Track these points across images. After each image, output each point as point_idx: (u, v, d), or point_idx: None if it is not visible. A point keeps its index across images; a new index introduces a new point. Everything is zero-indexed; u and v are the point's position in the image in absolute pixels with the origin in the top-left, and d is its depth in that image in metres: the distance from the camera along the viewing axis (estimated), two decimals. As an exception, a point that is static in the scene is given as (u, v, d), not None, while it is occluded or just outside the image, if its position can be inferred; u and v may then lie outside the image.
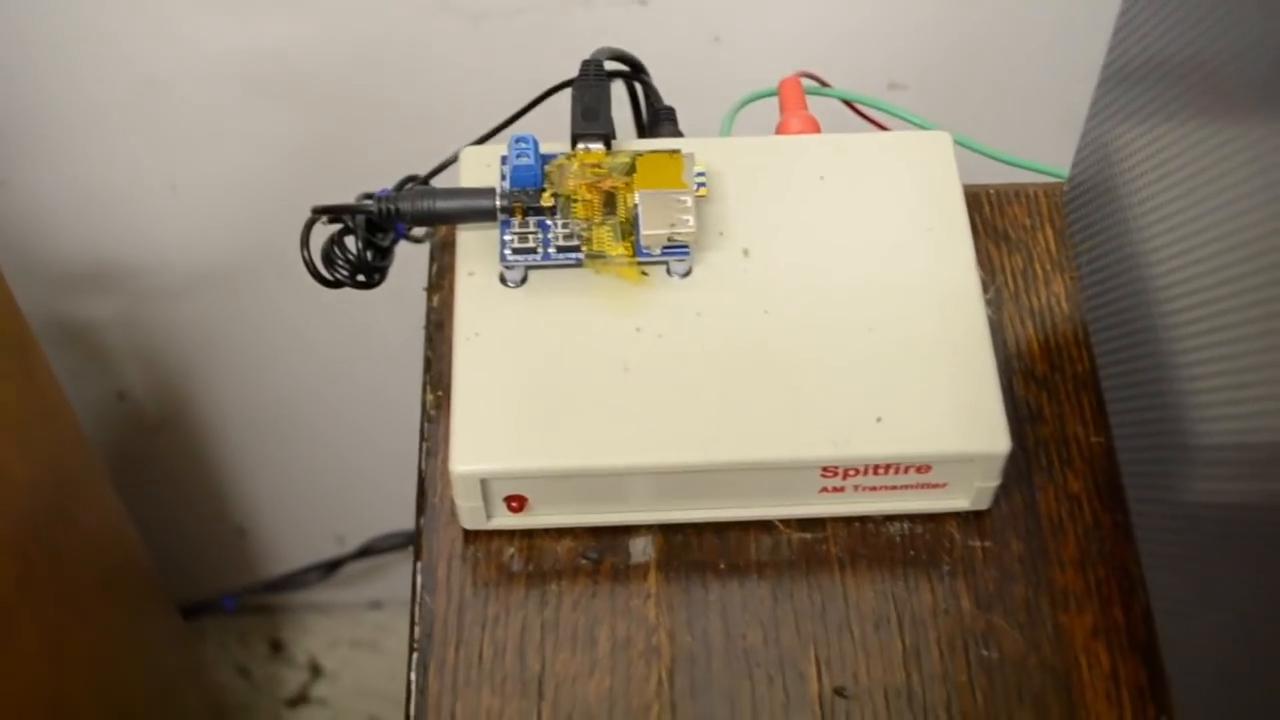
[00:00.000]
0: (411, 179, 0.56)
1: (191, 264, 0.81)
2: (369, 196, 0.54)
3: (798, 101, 0.54)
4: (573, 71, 0.53)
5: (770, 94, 0.56)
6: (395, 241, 0.56)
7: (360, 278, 0.54)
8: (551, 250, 0.46)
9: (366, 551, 1.00)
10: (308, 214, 0.52)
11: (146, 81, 0.69)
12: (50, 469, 0.69)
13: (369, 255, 0.54)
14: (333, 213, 0.50)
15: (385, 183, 0.79)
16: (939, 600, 0.45)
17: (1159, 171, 0.44)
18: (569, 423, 0.44)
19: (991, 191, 0.54)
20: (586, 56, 0.51)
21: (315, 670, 1.13)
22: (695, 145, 0.50)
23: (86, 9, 0.67)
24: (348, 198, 0.64)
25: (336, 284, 0.54)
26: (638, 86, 0.55)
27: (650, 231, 0.46)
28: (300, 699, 1.12)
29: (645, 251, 0.46)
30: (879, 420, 0.44)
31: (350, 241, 0.54)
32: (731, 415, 0.44)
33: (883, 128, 0.56)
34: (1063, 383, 0.50)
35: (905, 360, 0.45)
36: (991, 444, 0.44)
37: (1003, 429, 0.44)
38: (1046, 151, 0.59)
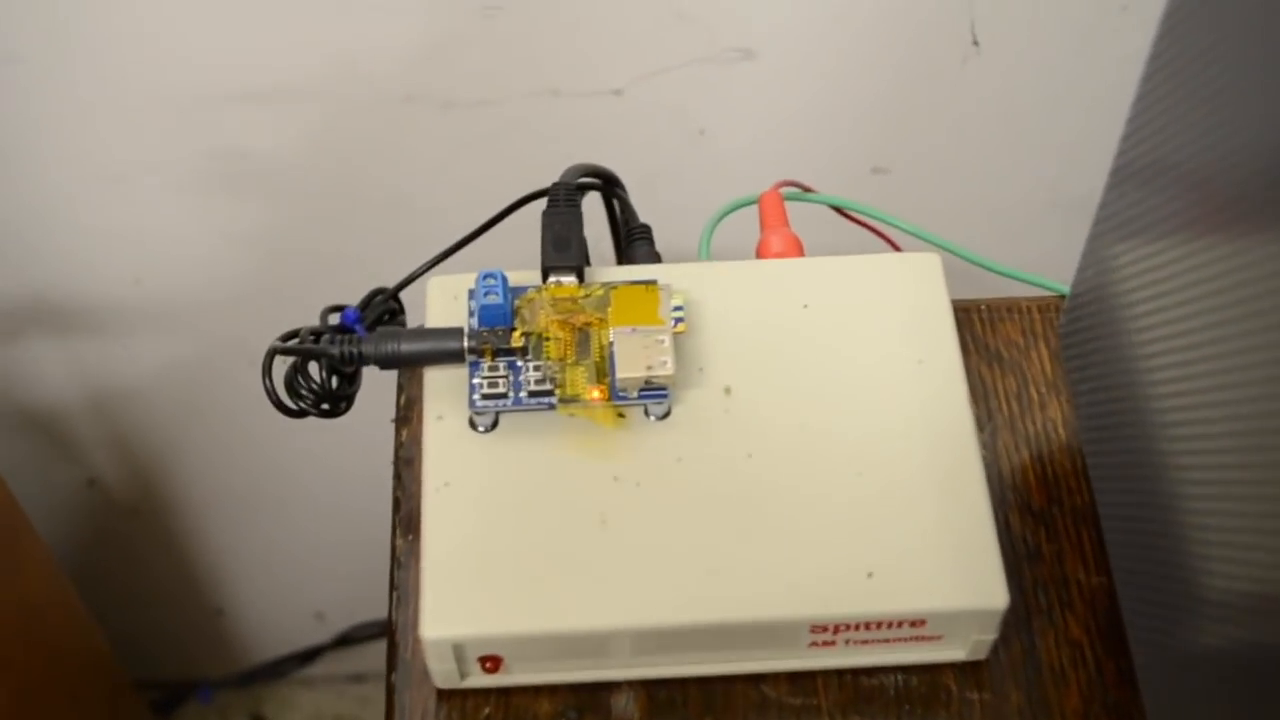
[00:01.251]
0: (379, 292, 0.54)
1: (159, 355, 0.79)
2: (335, 311, 0.52)
3: (778, 218, 0.52)
4: (542, 170, 0.51)
5: (749, 203, 0.54)
6: (360, 367, 0.54)
7: (325, 406, 0.52)
8: (523, 395, 0.44)
9: (344, 641, 0.97)
10: (273, 327, 0.50)
11: (105, 179, 0.67)
12: (14, 588, 0.67)
13: (334, 383, 0.52)
14: (293, 354, 0.48)
15: (350, 281, 0.77)
16: (937, 759, 0.43)
17: (1156, 289, 0.42)
18: (545, 583, 0.42)
19: (983, 308, 0.52)
20: (557, 177, 0.49)
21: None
22: (672, 273, 0.47)
23: (48, 103, 0.64)
24: (312, 290, 0.62)
25: (300, 414, 0.52)
26: (614, 201, 0.53)
27: (626, 375, 0.44)
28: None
29: (622, 395, 0.44)
30: (870, 576, 0.42)
31: (314, 369, 0.52)
32: (716, 572, 0.42)
33: (871, 229, 0.54)
34: (1061, 517, 0.48)
35: (897, 508, 0.43)
36: (989, 599, 0.42)
37: (1000, 583, 0.42)
38: (1033, 239, 0.57)
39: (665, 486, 0.44)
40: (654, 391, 0.44)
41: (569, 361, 0.45)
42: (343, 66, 0.63)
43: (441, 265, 0.52)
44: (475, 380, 0.45)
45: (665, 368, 0.44)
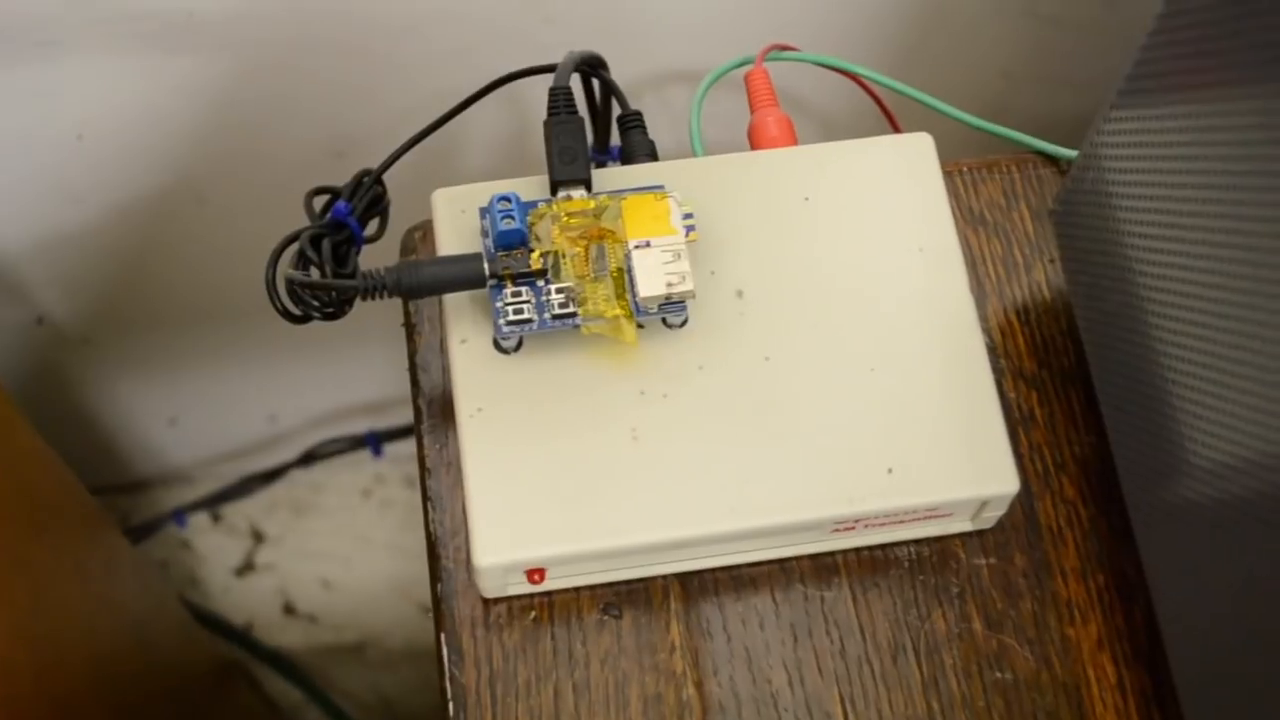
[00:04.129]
0: (365, 174, 0.54)
1: (106, 200, 0.77)
2: (321, 194, 0.52)
3: (767, 96, 0.52)
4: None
5: (736, 65, 0.54)
6: (358, 252, 0.54)
7: (330, 310, 0.53)
8: (547, 317, 0.45)
9: (309, 458, 0.99)
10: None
11: (41, 43, 0.65)
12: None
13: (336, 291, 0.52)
14: (312, 288, 0.48)
15: (310, 127, 0.76)
16: (951, 624, 0.47)
17: (1156, 151, 0.43)
18: (587, 502, 0.44)
19: (965, 169, 0.53)
20: (552, 78, 0.49)
21: (258, 537, 1.13)
22: (672, 172, 0.48)
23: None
24: (270, 140, 0.60)
25: (305, 318, 0.53)
26: (595, 84, 0.53)
27: (648, 294, 0.45)
28: (247, 567, 1.13)
29: (643, 310, 0.46)
30: (890, 472, 0.45)
31: (316, 273, 0.52)
32: (745, 480, 0.45)
33: (859, 83, 0.55)
34: (1051, 379, 0.50)
35: (910, 402, 0.46)
36: (1001, 485, 0.45)
37: (1011, 469, 0.45)
38: (1007, 102, 0.58)
39: (689, 396, 0.46)
40: (673, 304, 0.46)
41: (588, 279, 0.46)
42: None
43: (424, 145, 0.52)
44: (499, 305, 0.45)
45: (685, 283, 0.45)
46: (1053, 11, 0.66)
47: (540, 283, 0.46)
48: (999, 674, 0.46)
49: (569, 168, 0.47)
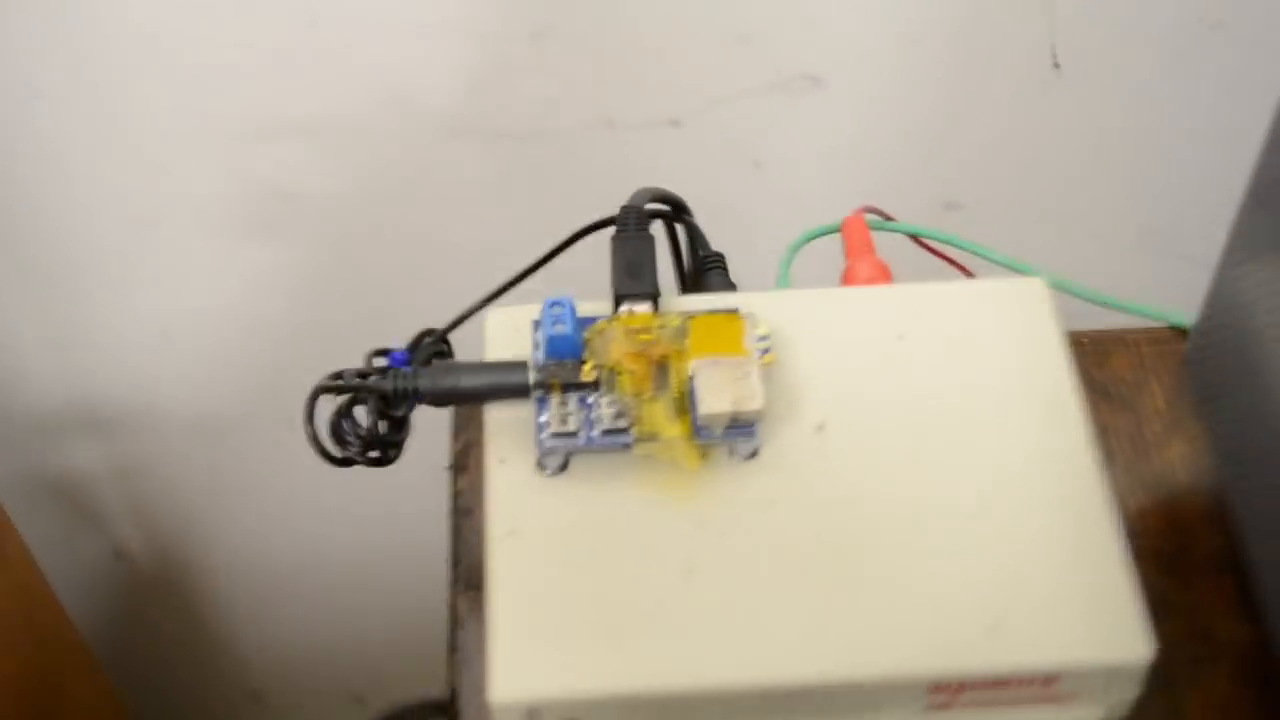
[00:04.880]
0: (428, 333, 0.50)
1: (186, 412, 0.75)
2: (381, 355, 0.48)
3: (864, 244, 0.48)
4: (597, 206, 0.47)
5: (830, 231, 0.50)
6: (411, 409, 0.50)
7: (373, 454, 0.48)
8: (596, 433, 0.40)
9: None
10: (315, 380, 0.46)
11: (135, 221, 0.64)
12: (34, 660, 0.63)
13: (382, 428, 0.48)
14: (340, 391, 0.44)
15: (397, 328, 0.72)
16: (1070, 838, 0.38)
17: None
18: (627, 637, 0.37)
19: (1086, 341, 0.47)
20: (624, 201, 0.45)
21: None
22: (753, 301, 0.43)
23: (74, 146, 0.61)
24: (355, 343, 0.57)
25: (347, 462, 0.48)
26: (679, 229, 0.49)
27: (710, 410, 0.39)
28: None
29: (705, 432, 0.40)
30: (994, 626, 0.37)
31: (361, 413, 0.47)
32: (819, 624, 0.38)
33: (956, 264, 0.50)
34: (1192, 564, 0.43)
35: (1018, 552, 0.39)
36: (1131, 650, 0.37)
37: (1142, 630, 0.37)
38: (1121, 272, 0.52)
39: (757, 532, 0.39)
40: (741, 428, 0.40)
41: (646, 397, 0.40)
42: (386, 98, 0.59)
43: (496, 302, 0.48)
44: (543, 418, 0.40)
45: (753, 401, 0.40)
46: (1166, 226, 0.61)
47: (591, 397, 0.40)
48: None
49: (633, 281, 0.42)
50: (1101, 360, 0.47)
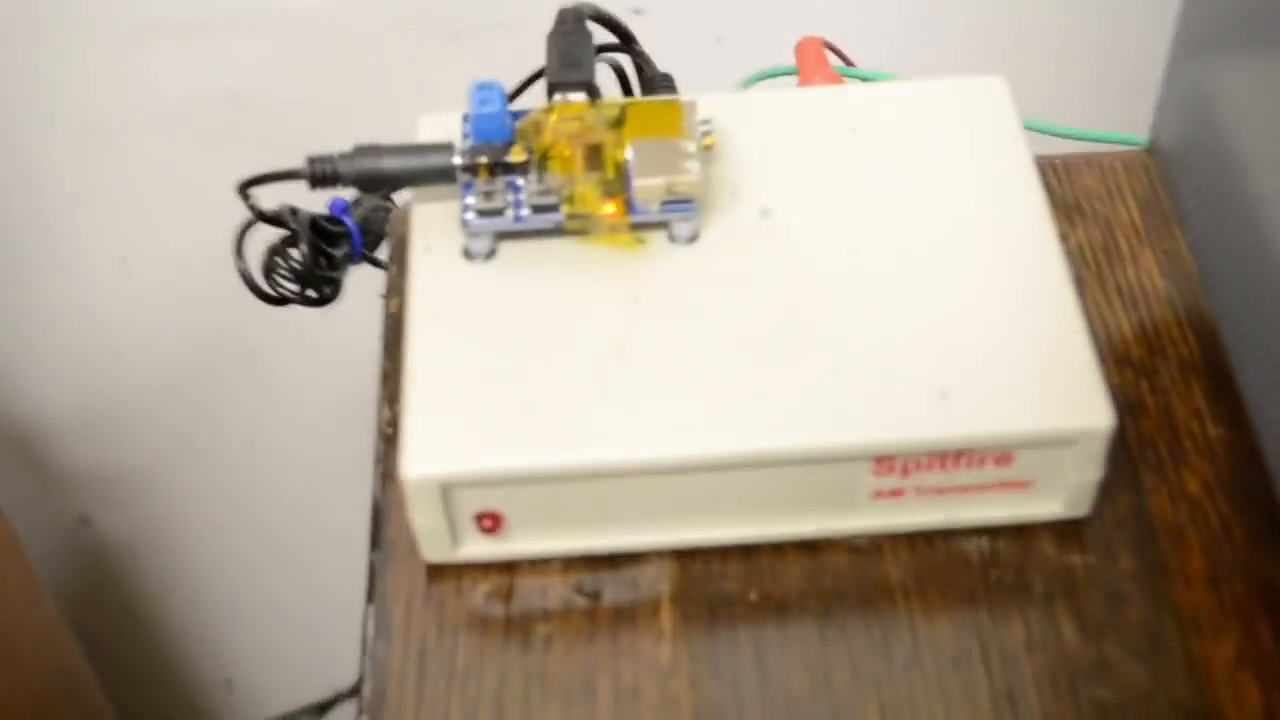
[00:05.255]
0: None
1: (148, 355, 0.72)
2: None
3: (819, 63, 0.45)
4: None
5: (787, 71, 0.48)
6: (351, 258, 0.48)
7: (310, 292, 0.46)
8: (524, 212, 0.38)
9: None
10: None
11: (88, 129, 0.62)
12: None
13: (320, 263, 0.46)
14: (269, 221, 0.42)
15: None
16: (1033, 630, 0.35)
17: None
18: (551, 412, 0.35)
19: (1058, 162, 0.45)
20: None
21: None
22: (700, 101, 0.41)
23: (13, 51, 0.59)
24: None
25: (281, 300, 0.46)
26: (624, 61, 0.47)
27: (644, 181, 0.37)
28: None
29: (640, 209, 0.38)
30: (944, 395, 0.35)
31: (297, 253, 0.46)
32: (758, 397, 0.35)
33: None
34: (1165, 368, 0.40)
35: (973, 323, 0.36)
36: (1089, 418, 0.35)
37: (1102, 399, 0.35)
38: (1097, 116, 0.50)
39: (694, 310, 0.37)
40: (678, 203, 0.38)
41: (578, 177, 0.38)
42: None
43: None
44: (469, 199, 0.38)
45: (689, 174, 0.37)
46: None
47: (520, 180, 0.38)
48: (1099, 691, 0.34)
49: (568, 70, 0.40)
50: (1072, 179, 0.45)
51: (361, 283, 0.48)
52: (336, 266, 0.46)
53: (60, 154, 0.63)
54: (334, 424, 0.74)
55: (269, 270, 0.45)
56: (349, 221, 0.47)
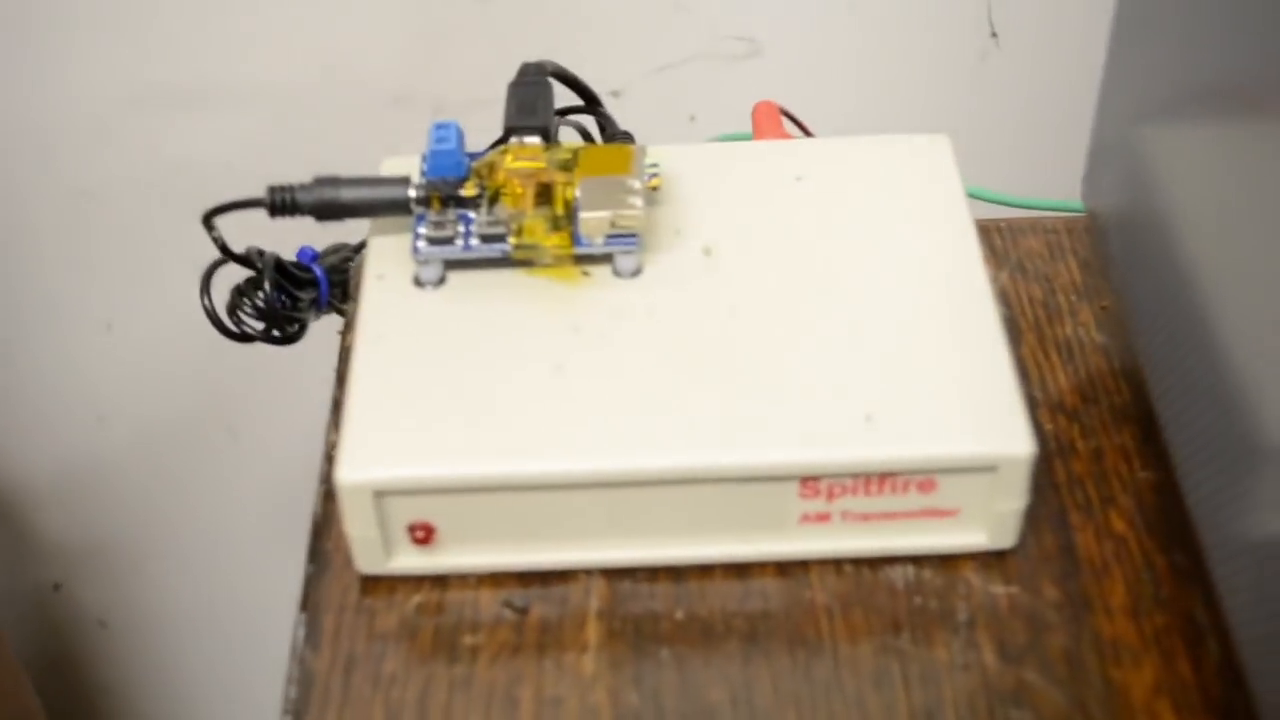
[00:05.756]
0: (344, 246, 0.50)
1: (131, 419, 0.74)
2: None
3: (774, 125, 0.47)
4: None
5: (744, 137, 0.49)
6: (319, 305, 0.49)
7: (275, 331, 0.47)
8: (473, 241, 0.39)
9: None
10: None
11: (77, 192, 0.64)
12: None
13: (283, 303, 0.47)
14: (237, 261, 0.44)
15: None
16: (954, 653, 0.36)
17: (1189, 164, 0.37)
18: (486, 423, 0.36)
19: (1003, 224, 0.47)
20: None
21: None
22: (653, 150, 0.43)
23: (9, 114, 0.62)
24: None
25: (245, 337, 0.47)
26: (589, 123, 0.49)
27: (590, 214, 0.39)
28: None
29: (585, 242, 0.39)
30: (870, 419, 0.36)
31: (261, 293, 0.47)
32: (690, 416, 0.36)
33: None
34: (1098, 414, 0.41)
35: (902, 354, 0.37)
36: (1010, 445, 0.36)
37: (1024, 427, 0.36)
38: (1052, 182, 0.52)
39: (634, 337, 0.38)
40: (622, 238, 0.39)
41: (528, 211, 0.40)
42: (325, 66, 0.60)
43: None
44: (421, 228, 0.39)
45: (634, 208, 0.39)
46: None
47: (472, 213, 0.40)
48: (1016, 712, 0.35)
49: (525, 116, 0.42)
50: (1017, 240, 0.46)
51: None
52: (301, 309, 0.47)
53: (49, 217, 0.65)
54: (312, 498, 0.75)
55: (233, 308, 0.46)
56: (317, 270, 0.48)
